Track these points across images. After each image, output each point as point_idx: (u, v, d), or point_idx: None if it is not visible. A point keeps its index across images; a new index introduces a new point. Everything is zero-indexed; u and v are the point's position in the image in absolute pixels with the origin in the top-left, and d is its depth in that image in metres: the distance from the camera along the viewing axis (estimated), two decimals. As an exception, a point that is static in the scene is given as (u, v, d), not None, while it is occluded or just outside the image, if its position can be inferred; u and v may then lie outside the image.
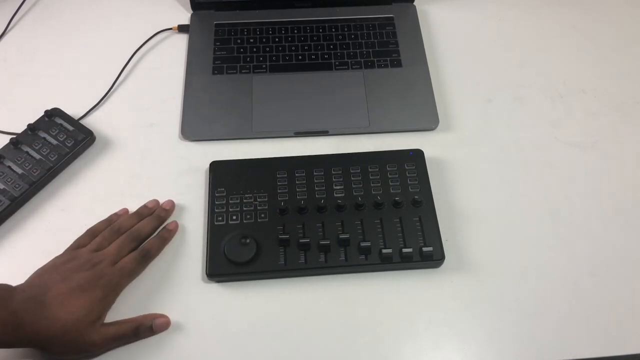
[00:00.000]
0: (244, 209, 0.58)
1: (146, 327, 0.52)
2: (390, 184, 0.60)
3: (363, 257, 0.56)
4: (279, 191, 0.59)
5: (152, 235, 0.58)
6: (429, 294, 0.56)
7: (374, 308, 0.55)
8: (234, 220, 0.58)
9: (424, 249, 0.55)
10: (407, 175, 0.60)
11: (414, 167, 0.61)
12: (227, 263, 0.55)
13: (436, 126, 0.67)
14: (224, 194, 0.59)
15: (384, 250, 0.55)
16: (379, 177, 0.60)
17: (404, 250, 0.55)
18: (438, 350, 0.53)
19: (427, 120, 0.67)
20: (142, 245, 0.56)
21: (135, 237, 0.56)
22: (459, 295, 0.56)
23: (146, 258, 0.56)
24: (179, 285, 0.56)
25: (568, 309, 0.55)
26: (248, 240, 0.56)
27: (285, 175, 0.60)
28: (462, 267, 0.57)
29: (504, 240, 0.59)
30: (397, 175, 0.60)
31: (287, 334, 0.54)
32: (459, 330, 0.54)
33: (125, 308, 0.55)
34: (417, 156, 0.62)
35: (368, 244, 0.55)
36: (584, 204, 0.62)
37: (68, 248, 0.56)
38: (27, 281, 0.51)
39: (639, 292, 0.56)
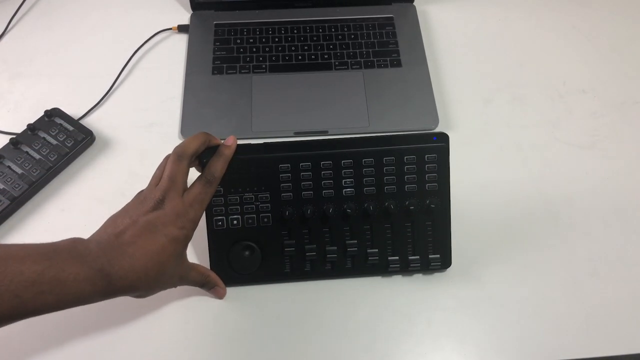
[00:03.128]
0: (245, 209, 0.54)
1: (207, 288, 0.54)
2: (406, 181, 0.53)
3: (370, 265, 0.55)
4: (282, 188, 0.53)
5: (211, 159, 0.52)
6: (429, 294, 0.56)
7: (374, 309, 0.55)
8: (235, 224, 0.54)
9: (432, 264, 0.55)
10: (427, 170, 0.53)
11: (435, 161, 0.53)
12: (232, 272, 0.55)
13: (436, 126, 0.67)
14: (221, 193, 0.54)
15: (392, 266, 0.55)
16: (394, 176, 0.53)
17: (411, 265, 0.55)
18: (438, 351, 0.53)
19: (427, 120, 0.67)
20: (204, 171, 0.52)
21: (182, 156, 0.50)
22: (459, 295, 0.56)
23: (212, 183, 0.51)
24: (184, 290, 0.56)
25: (568, 309, 0.55)
26: (253, 251, 0.55)
27: (289, 168, 0.53)
28: (462, 267, 0.57)
29: (503, 240, 0.59)
30: (414, 176, 0.53)
31: (287, 335, 0.54)
32: (458, 330, 0.54)
33: (128, 307, 0.55)
34: (440, 143, 0.53)
35: (376, 259, 0.54)
36: (584, 204, 0.62)
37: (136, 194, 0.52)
38: (99, 229, 0.47)
39: (639, 292, 0.56)
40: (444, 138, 0.54)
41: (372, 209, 0.53)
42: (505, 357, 0.53)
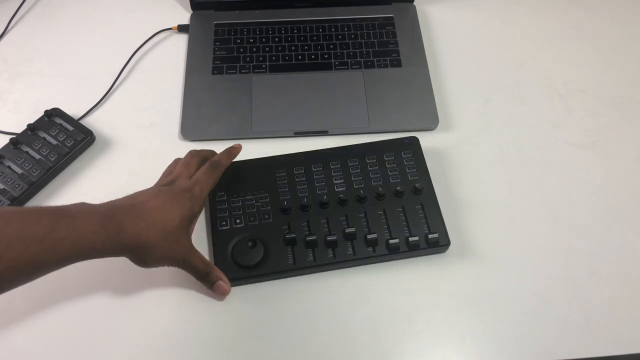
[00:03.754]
0: (247, 211, 0.58)
1: (209, 282, 0.53)
2: (390, 173, 0.60)
3: (370, 249, 0.56)
4: (279, 190, 0.59)
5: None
6: (429, 293, 0.56)
7: (374, 308, 0.55)
8: (238, 223, 0.57)
9: (430, 236, 0.56)
10: (405, 163, 0.61)
11: (411, 154, 0.61)
12: (235, 267, 0.55)
13: (436, 126, 0.67)
14: (225, 197, 0.59)
15: (391, 241, 0.55)
16: (377, 167, 0.60)
17: (411, 239, 0.55)
18: (437, 350, 0.53)
19: (427, 120, 0.67)
20: (211, 159, 0.57)
21: (196, 154, 0.58)
22: (459, 295, 0.56)
23: (216, 168, 0.56)
24: (188, 291, 0.56)
25: (568, 309, 0.55)
26: (255, 243, 0.55)
27: (284, 174, 0.60)
28: (462, 266, 0.57)
29: (503, 240, 0.59)
30: (395, 165, 0.60)
31: (288, 334, 0.54)
32: (458, 330, 0.54)
33: (136, 309, 0.55)
34: (413, 143, 0.62)
35: (374, 235, 0.55)
36: (584, 204, 0.62)
37: None
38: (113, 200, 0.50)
39: (639, 292, 0.56)
40: (414, 140, 0.62)
41: (362, 192, 0.58)
42: (505, 357, 0.53)
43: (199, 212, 0.54)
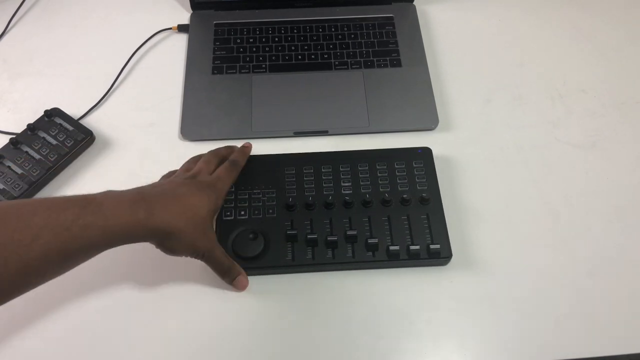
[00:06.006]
0: (253, 204, 0.59)
1: (230, 276, 0.54)
2: (398, 181, 0.60)
3: (370, 253, 0.56)
4: (287, 187, 0.60)
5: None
6: (429, 293, 0.56)
7: (374, 308, 0.55)
8: (242, 215, 0.58)
9: (432, 246, 0.55)
10: (415, 173, 0.60)
11: (422, 165, 0.61)
12: (235, 257, 0.55)
13: (436, 126, 0.67)
14: (232, 189, 0.59)
15: (392, 247, 0.55)
16: (386, 174, 0.60)
17: (412, 247, 0.55)
18: (437, 350, 0.53)
19: (427, 120, 0.67)
20: (230, 158, 0.59)
21: (216, 153, 0.60)
22: (459, 295, 0.56)
23: (235, 166, 0.59)
24: (188, 279, 0.56)
25: (568, 309, 0.55)
26: (256, 236, 0.56)
27: (294, 172, 0.61)
28: (462, 266, 0.57)
29: (503, 240, 0.59)
30: (405, 173, 0.60)
31: (287, 333, 0.54)
32: (458, 330, 0.54)
33: (134, 298, 0.55)
34: (425, 154, 0.62)
35: (375, 240, 0.55)
36: (584, 204, 0.62)
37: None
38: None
39: (639, 292, 0.56)
40: (427, 151, 0.62)
41: (369, 197, 0.58)
42: (505, 357, 0.53)
43: (220, 204, 0.55)
